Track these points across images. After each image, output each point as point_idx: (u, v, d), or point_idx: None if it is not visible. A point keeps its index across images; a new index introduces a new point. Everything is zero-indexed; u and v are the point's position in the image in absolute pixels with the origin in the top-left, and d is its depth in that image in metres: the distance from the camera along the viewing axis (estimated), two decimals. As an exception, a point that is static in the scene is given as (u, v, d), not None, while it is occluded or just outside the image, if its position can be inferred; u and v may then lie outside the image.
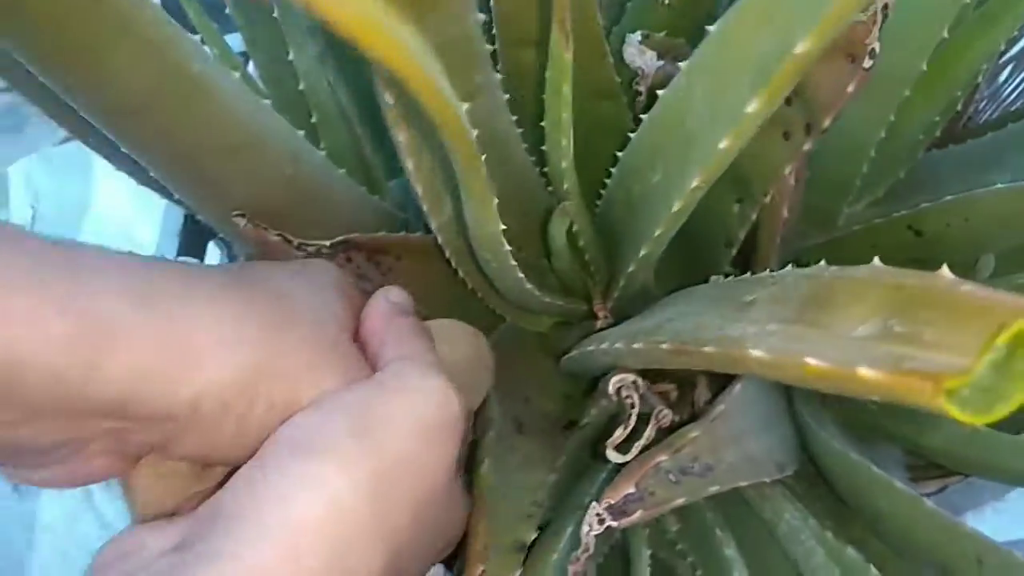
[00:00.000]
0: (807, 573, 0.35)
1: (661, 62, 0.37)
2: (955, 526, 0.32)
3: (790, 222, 0.37)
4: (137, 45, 0.25)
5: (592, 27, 0.34)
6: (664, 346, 0.26)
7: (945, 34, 0.35)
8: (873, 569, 0.34)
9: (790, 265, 0.24)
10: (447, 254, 0.35)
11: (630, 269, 0.35)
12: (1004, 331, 0.15)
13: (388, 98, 0.26)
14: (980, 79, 0.43)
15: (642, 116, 0.32)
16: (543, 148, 0.33)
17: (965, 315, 0.16)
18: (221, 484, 0.24)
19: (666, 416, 0.31)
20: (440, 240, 0.34)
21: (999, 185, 0.35)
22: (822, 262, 0.22)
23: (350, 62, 0.43)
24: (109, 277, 0.22)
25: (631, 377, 0.31)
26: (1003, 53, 0.49)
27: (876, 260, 0.20)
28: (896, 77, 0.37)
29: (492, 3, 0.33)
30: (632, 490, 0.29)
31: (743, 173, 0.32)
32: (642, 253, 0.33)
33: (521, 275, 0.32)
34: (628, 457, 0.30)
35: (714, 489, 0.31)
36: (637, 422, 0.31)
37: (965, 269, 0.41)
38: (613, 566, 0.37)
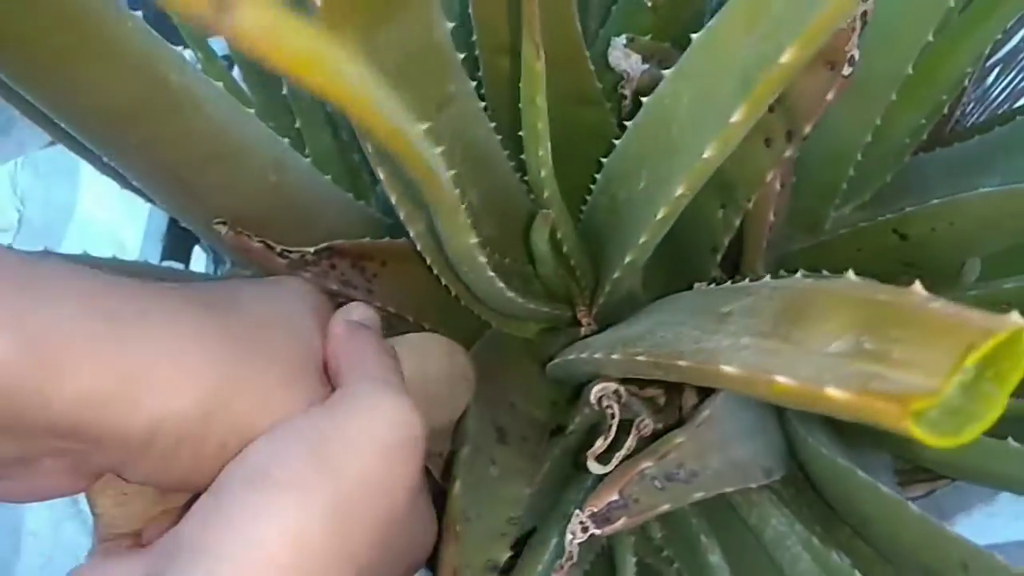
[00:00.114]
0: (792, 579, 0.35)
1: (646, 66, 0.37)
2: (940, 531, 0.32)
3: (776, 226, 0.37)
4: (115, 59, 0.24)
5: (570, 33, 0.34)
6: (641, 358, 0.26)
7: (930, 37, 0.35)
8: (858, 574, 0.34)
9: (768, 275, 0.24)
10: (428, 262, 0.35)
11: (615, 275, 0.34)
12: (973, 352, 0.15)
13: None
14: (966, 82, 0.43)
15: (627, 122, 0.32)
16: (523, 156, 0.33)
17: (935, 333, 0.16)
18: (186, 505, 0.24)
19: (647, 426, 0.31)
20: (420, 248, 0.34)
21: (983, 189, 0.35)
22: (807, 268, 0.22)
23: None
24: (68, 296, 0.21)
25: (612, 386, 0.31)
26: (990, 56, 0.49)
27: (850, 273, 0.20)
28: (881, 81, 0.36)
29: (471, 10, 0.33)
30: (616, 497, 0.29)
31: (727, 179, 0.32)
32: (627, 260, 0.33)
33: (501, 284, 0.31)
34: (608, 468, 0.30)
35: (699, 495, 0.31)
36: (619, 431, 0.31)
37: (951, 273, 0.41)
38: (599, 572, 0.37)
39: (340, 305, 0.31)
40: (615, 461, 0.30)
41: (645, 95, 0.30)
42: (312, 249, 0.34)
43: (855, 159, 0.39)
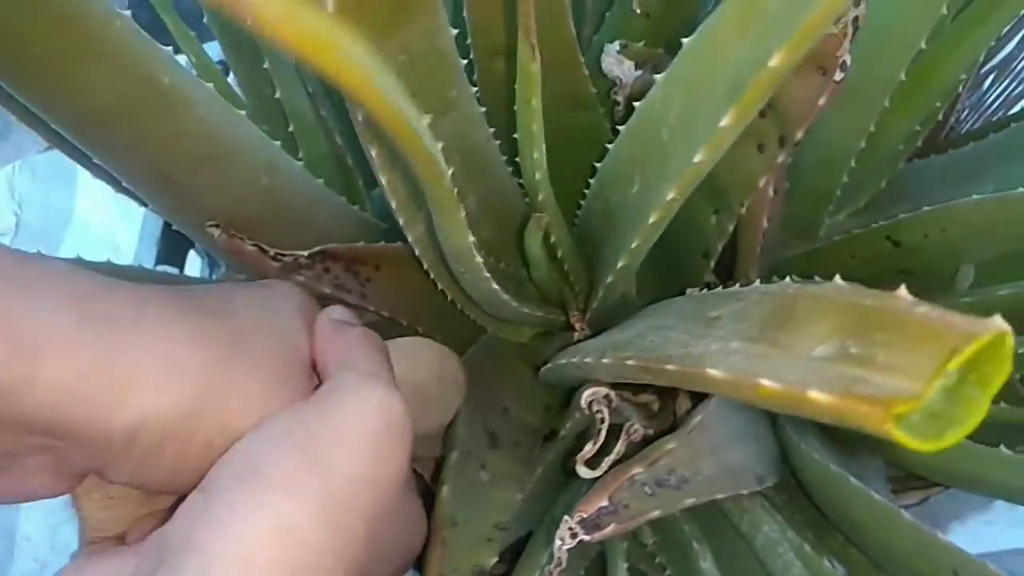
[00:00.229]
0: (784, 586, 0.35)
1: (639, 72, 0.37)
2: (933, 539, 0.32)
3: (770, 232, 0.37)
4: (105, 60, 0.24)
5: (565, 37, 0.34)
6: (630, 363, 0.26)
7: (923, 44, 0.35)
8: (850, 581, 0.34)
9: (757, 280, 0.24)
10: (425, 266, 0.35)
11: (609, 280, 0.34)
12: (956, 356, 0.15)
13: (359, 114, 0.26)
14: (960, 89, 0.43)
15: (619, 127, 0.32)
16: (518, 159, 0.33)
17: (918, 338, 0.16)
18: (171, 508, 0.24)
19: (637, 431, 0.31)
20: (417, 252, 0.34)
21: (975, 196, 0.35)
22: (800, 274, 0.22)
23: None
24: (56, 295, 0.21)
25: (603, 391, 0.31)
26: (985, 63, 0.49)
27: (837, 278, 0.20)
28: (874, 87, 0.37)
29: (466, 14, 0.33)
30: (606, 503, 0.29)
31: (719, 184, 0.32)
32: (620, 264, 0.33)
33: (496, 286, 0.31)
34: (598, 473, 0.30)
35: (690, 502, 0.31)
36: (610, 436, 0.31)
37: (945, 280, 0.41)
38: (591, 578, 0.37)
39: None
40: (604, 466, 0.29)
41: (638, 101, 0.30)
42: (306, 253, 0.34)
43: (849, 165, 0.39)
